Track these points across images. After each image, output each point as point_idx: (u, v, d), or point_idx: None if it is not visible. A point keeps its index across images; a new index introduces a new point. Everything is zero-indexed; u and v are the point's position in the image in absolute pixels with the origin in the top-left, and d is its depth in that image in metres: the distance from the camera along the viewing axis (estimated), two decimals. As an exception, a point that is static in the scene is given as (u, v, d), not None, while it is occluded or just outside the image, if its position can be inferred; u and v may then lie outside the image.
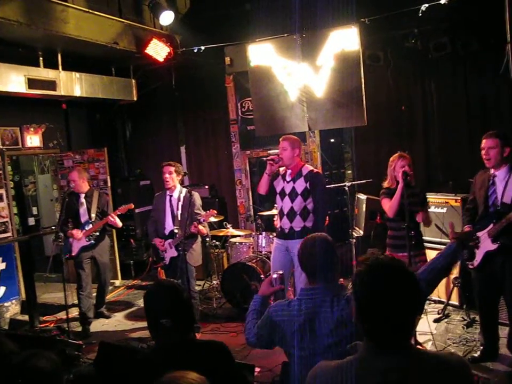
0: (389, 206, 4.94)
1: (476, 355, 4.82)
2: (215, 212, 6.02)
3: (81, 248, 6.48)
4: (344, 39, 6.90)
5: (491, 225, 4.46)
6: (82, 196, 6.59)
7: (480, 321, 4.90)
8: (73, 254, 6.47)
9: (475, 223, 4.66)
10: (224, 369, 2.55)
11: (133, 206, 6.67)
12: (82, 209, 6.57)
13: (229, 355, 2.62)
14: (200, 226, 5.90)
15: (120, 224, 6.59)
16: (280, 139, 5.50)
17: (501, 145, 4.42)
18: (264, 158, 5.65)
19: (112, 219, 6.43)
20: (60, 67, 7.35)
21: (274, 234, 6.14)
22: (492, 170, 4.56)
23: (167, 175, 6.07)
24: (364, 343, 1.79)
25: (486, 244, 4.49)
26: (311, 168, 5.54)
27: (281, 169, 5.54)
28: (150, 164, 9.62)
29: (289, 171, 5.45)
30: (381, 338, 1.73)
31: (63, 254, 6.25)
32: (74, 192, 6.58)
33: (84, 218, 6.56)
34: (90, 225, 6.52)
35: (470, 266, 4.74)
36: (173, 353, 2.53)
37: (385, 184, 5.14)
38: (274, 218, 6.46)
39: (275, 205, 6.08)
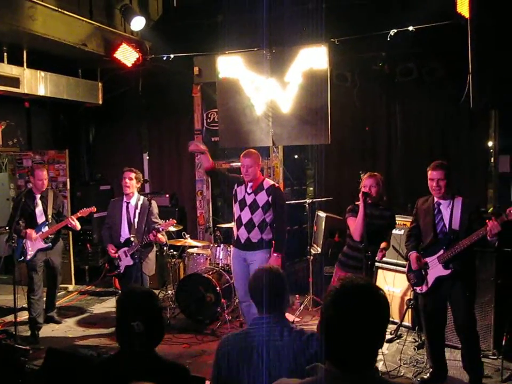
0: (353, 228, 4.89)
1: (425, 377, 4.87)
2: (175, 221, 6.01)
3: (37, 251, 6.30)
4: (313, 58, 6.96)
5: (441, 251, 4.55)
6: (38, 196, 6.41)
7: (427, 344, 4.92)
8: (28, 258, 6.23)
9: (422, 249, 4.75)
10: None
11: (95, 209, 6.49)
12: (38, 210, 6.38)
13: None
14: (159, 235, 5.92)
15: (79, 226, 6.40)
16: (242, 155, 5.54)
17: (448, 176, 4.57)
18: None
19: (73, 222, 6.26)
20: (25, 64, 7.18)
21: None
22: (436, 199, 4.68)
23: (127, 180, 6.07)
24: (326, 364, 1.73)
25: (436, 270, 4.58)
26: (272, 182, 5.67)
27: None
28: (111, 169, 9.45)
29: (250, 183, 5.51)
30: (344, 361, 1.68)
31: (15, 256, 6.07)
32: (31, 192, 6.40)
33: (40, 219, 6.37)
34: (47, 227, 6.34)
35: (418, 291, 4.81)
36: (134, 363, 2.48)
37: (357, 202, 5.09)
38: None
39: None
